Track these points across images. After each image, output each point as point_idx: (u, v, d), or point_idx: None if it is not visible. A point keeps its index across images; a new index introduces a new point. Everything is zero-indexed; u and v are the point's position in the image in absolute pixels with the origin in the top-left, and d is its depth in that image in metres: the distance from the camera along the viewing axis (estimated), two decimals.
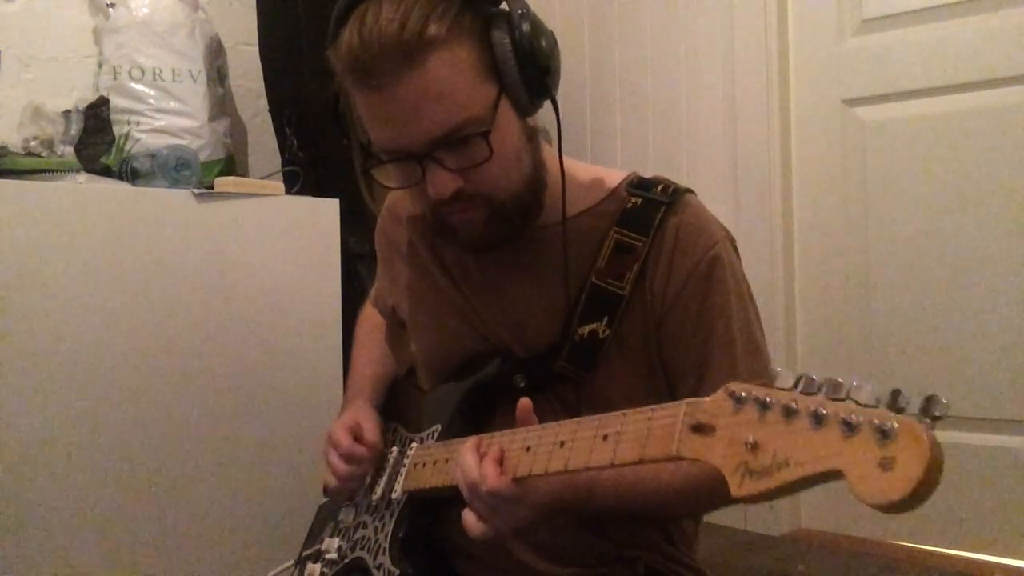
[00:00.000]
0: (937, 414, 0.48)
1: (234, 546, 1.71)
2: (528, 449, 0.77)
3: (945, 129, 1.92)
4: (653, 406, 0.66)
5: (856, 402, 0.50)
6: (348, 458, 1.06)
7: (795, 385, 0.54)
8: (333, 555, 1.06)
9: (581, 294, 0.93)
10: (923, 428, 0.47)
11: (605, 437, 0.70)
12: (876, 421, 0.47)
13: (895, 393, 0.49)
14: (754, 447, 0.54)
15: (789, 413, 0.53)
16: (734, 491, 0.55)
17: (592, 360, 0.92)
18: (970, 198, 1.89)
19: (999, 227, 1.85)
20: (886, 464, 0.47)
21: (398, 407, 1.16)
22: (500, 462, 0.79)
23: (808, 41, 2.11)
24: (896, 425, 0.47)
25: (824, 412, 0.50)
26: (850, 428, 0.49)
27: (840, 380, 0.52)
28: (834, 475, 0.50)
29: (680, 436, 0.61)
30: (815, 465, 0.50)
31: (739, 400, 0.57)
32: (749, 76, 2.14)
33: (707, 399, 0.60)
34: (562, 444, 0.74)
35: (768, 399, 0.55)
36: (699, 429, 0.60)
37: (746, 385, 0.57)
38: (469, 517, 0.81)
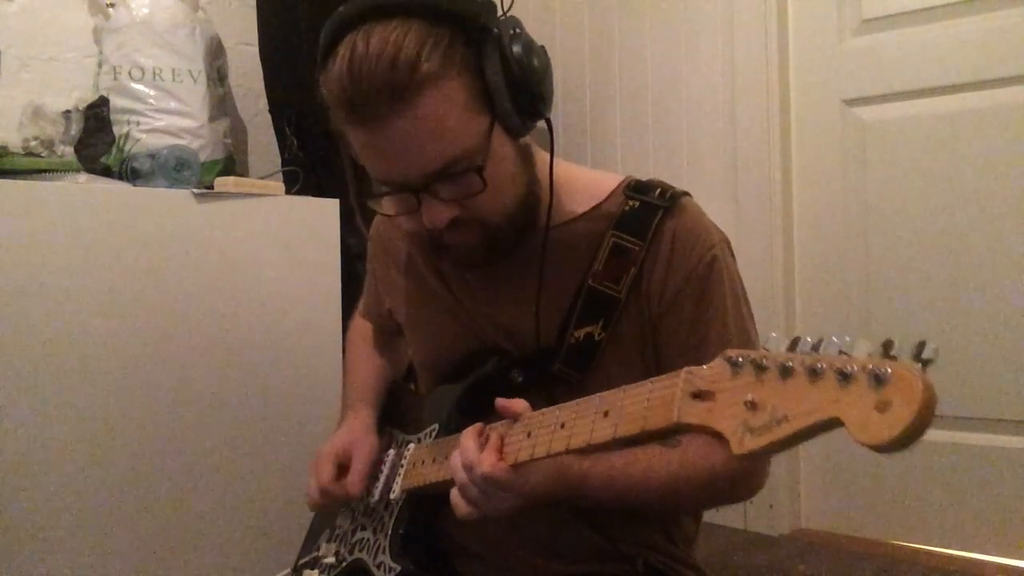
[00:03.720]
0: (927, 357, 0.49)
1: (232, 551, 1.71)
2: (529, 435, 0.78)
3: (945, 129, 1.92)
4: (652, 378, 0.67)
5: (850, 356, 0.52)
6: (324, 493, 1.05)
7: (791, 347, 0.56)
8: (331, 559, 1.06)
9: (578, 297, 0.94)
10: (916, 369, 0.48)
11: (606, 414, 0.71)
12: (870, 367, 0.49)
13: (887, 344, 0.51)
14: (753, 406, 0.56)
15: (786, 371, 0.54)
16: (735, 449, 0.56)
17: (587, 362, 0.93)
18: (970, 198, 1.88)
19: (999, 227, 1.85)
20: (882, 406, 0.48)
21: (395, 411, 1.16)
22: (500, 449, 0.79)
23: (808, 41, 2.11)
24: (890, 370, 0.49)
25: (820, 366, 0.52)
26: (845, 378, 0.51)
27: (834, 338, 0.54)
28: (833, 423, 0.51)
29: (680, 404, 0.62)
30: (814, 416, 0.52)
31: (736, 365, 0.58)
32: (749, 76, 2.14)
33: (705, 367, 0.62)
34: (563, 426, 0.75)
35: (764, 360, 0.56)
36: (699, 396, 0.61)
37: (743, 350, 0.59)
38: (457, 498, 0.81)
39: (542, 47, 0.88)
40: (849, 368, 0.50)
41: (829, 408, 0.51)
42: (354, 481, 1.04)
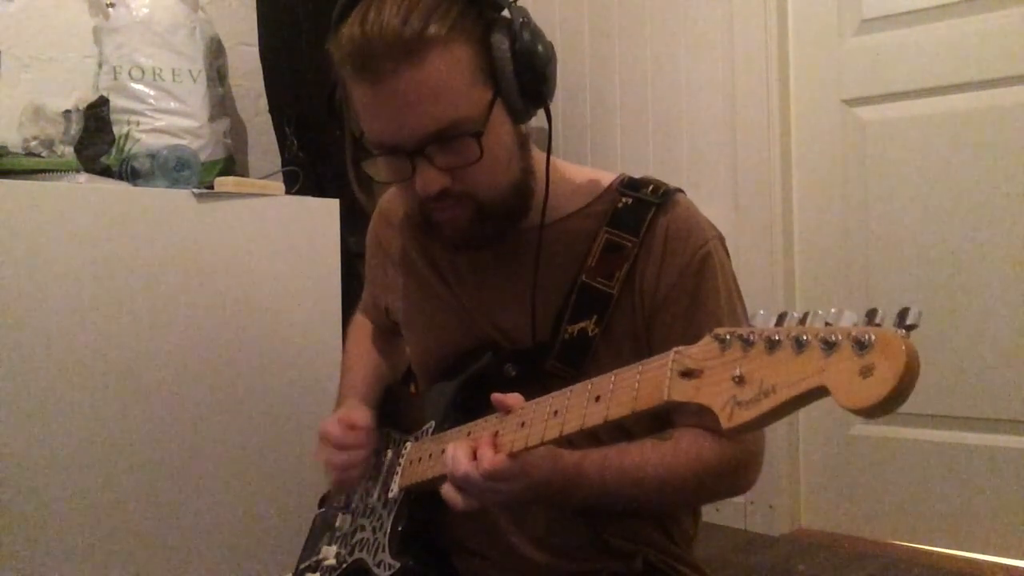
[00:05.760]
0: (910, 322, 0.50)
1: (233, 555, 1.71)
2: (523, 424, 0.79)
3: (945, 129, 1.92)
4: (642, 360, 0.68)
5: (835, 326, 0.53)
6: (341, 446, 1.04)
7: (778, 322, 0.56)
8: (332, 561, 1.05)
9: (571, 293, 0.94)
10: (898, 334, 0.49)
11: (597, 398, 0.71)
12: (854, 334, 0.50)
13: (871, 312, 0.51)
14: (741, 380, 0.56)
15: (772, 344, 0.55)
16: (724, 423, 0.57)
17: (581, 358, 0.93)
18: (970, 198, 1.89)
19: (999, 227, 1.85)
20: (866, 371, 0.49)
21: (392, 412, 1.16)
22: (494, 445, 0.80)
23: (808, 41, 2.11)
24: (873, 336, 0.49)
25: (805, 337, 0.53)
26: (830, 346, 0.51)
27: (820, 311, 0.54)
28: (819, 392, 0.52)
29: (670, 382, 0.63)
30: (800, 386, 0.53)
31: (724, 341, 0.59)
32: (749, 76, 2.14)
33: (694, 346, 0.62)
34: (556, 413, 0.75)
35: (751, 335, 0.57)
36: (688, 374, 0.62)
37: (730, 328, 0.59)
38: (451, 493, 0.82)
39: (549, 41, 0.89)
40: (833, 337, 0.51)
41: (815, 377, 0.52)
42: (364, 426, 1.04)
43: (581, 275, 0.94)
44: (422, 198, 0.88)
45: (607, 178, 1.00)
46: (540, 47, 0.87)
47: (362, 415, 1.08)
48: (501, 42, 0.85)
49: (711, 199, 2.12)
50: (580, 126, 2.48)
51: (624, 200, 0.96)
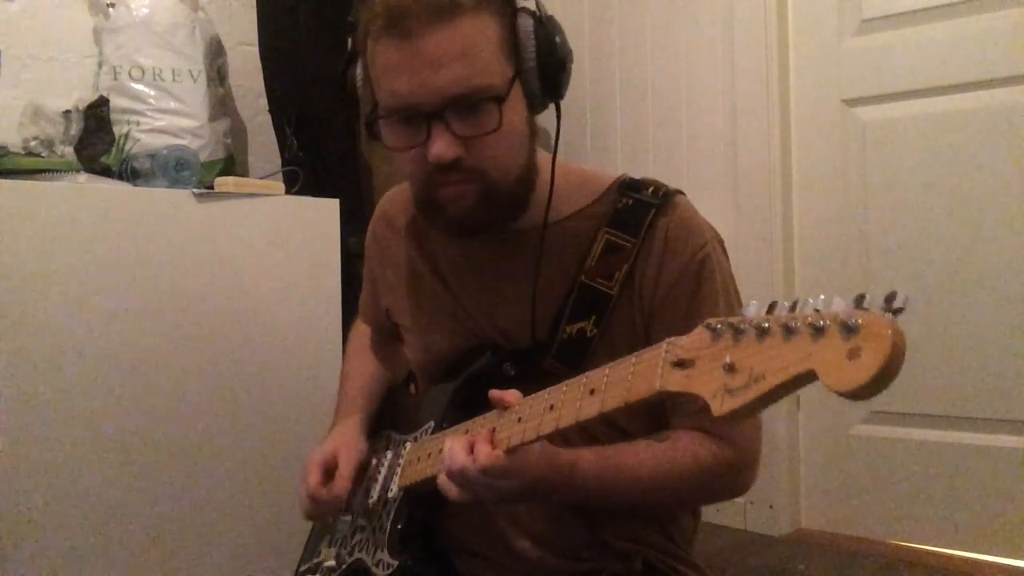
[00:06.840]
0: (897, 306, 0.50)
1: (233, 558, 1.71)
2: (520, 420, 0.79)
3: (945, 129, 1.92)
4: (636, 352, 0.69)
5: (823, 311, 0.53)
6: (312, 499, 1.04)
7: (768, 311, 0.57)
8: (331, 563, 1.06)
9: (571, 294, 0.95)
10: (885, 317, 0.50)
11: (592, 392, 0.72)
12: (841, 319, 0.51)
13: (859, 297, 0.52)
14: (731, 368, 0.57)
15: (762, 332, 0.56)
16: (715, 411, 0.57)
17: (579, 358, 0.93)
18: (970, 198, 1.89)
19: (999, 227, 1.85)
20: (853, 354, 0.49)
21: (392, 414, 1.16)
22: (491, 441, 0.80)
23: (808, 41, 2.11)
24: (860, 320, 0.50)
25: (794, 324, 0.54)
26: (818, 331, 0.52)
27: (810, 299, 0.55)
28: (808, 376, 0.53)
29: (663, 372, 0.64)
30: (789, 371, 0.53)
31: (715, 331, 0.60)
32: (749, 76, 2.14)
33: (686, 336, 0.63)
34: (552, 408, 0.76)
35: (742, 324, 0.57)
36: (680, 364, 0.62)
37: (722, 317, 0.60)
38: (446, 484, 0.82)
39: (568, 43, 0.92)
40: (821, 322, 0.52)
41: (803, 362, 0.52)
42: (340, 485, 1.04)
43: (581, 275, 0.95)
44: (432, 168, 0.88)
45: (607, 179, 1.01)
46: (559, 39, 0.89)
47: (347, 465, 1.05)
48: (527, 24, 0.87)
49: (711, 199, 2.12)
50: (580, 126, 2.48)
51: (624, 201, 0.97)
